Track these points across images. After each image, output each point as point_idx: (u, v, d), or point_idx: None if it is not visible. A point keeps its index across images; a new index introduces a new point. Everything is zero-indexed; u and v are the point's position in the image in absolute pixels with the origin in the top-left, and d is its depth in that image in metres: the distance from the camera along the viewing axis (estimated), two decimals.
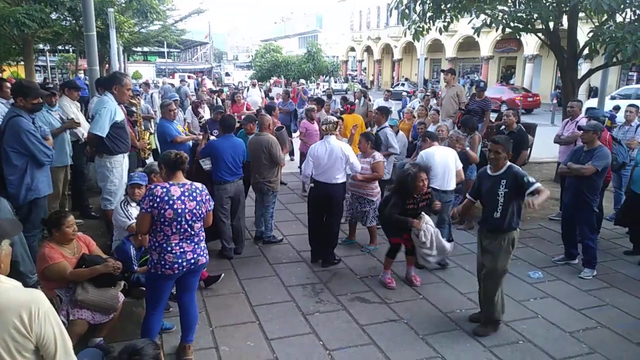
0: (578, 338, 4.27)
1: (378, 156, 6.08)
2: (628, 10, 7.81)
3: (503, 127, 7.11)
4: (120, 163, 5.32)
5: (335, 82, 34.48)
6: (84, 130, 6.45)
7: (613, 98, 20.86)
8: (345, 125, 8.25)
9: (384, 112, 7.60)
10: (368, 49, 48.77)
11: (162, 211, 3.53)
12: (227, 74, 50.53)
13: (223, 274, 5.25)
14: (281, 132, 7.11)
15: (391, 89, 20.10)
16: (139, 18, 22.17)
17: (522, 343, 4.19)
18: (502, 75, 36.69)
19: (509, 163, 4.25)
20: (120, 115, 5.27)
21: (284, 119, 11.57)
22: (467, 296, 5.05)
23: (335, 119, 5.97)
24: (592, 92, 24.80)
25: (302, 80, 25.49)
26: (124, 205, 4.88)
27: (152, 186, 3.65)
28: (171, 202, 3.54)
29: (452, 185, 5.76)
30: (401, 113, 15.05)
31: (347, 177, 5.88)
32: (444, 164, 5.69)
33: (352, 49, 51.90)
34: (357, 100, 12.89)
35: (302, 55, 28.76)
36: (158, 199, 3.53)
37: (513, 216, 4.20)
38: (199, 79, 25.80)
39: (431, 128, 9.03)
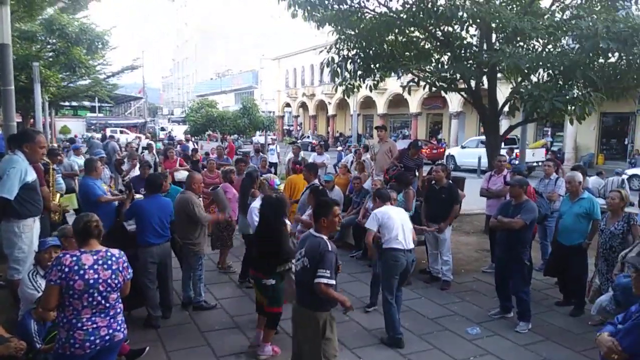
0: None
1: None
2: (541, 70, 8.39)
3: (433, 182, 7.24)
4: (30, 228, 4.84)
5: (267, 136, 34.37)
6: None
7: (463, 147, 24.19)
8: (296, 187, 8.03)
9: (312, 169, 7.56)
10: (303, 105, 49.88)
11: (72, 282, 3.17)
12: (162, 129, 49.61)
13: (148, 348, 4.78)
14: (217, 192, 6.72)
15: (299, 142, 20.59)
16: (67, 72, 21.48)
17: None
18: (430, 131, 38.49)
19: (313, 231, 3.81)
20: (32, 176, 4.85)
21: None
22: (407, 357, 4.88)
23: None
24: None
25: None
26: (33, 275, 4.40)
27: (60, 255, 3.30)
28: (82, 272, 3.19)
29: (412, 244, 5.41)
30: (336, 167, 15.18)
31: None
32: (403, 222, 5.37)
33: (288, 105, 52.88)
34: (293, 157, 12.90)
35: (237, 110, 28.85)
36: (67, 269, 3.17)
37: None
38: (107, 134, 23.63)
39: (367, 183, 9.11)
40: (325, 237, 3.73)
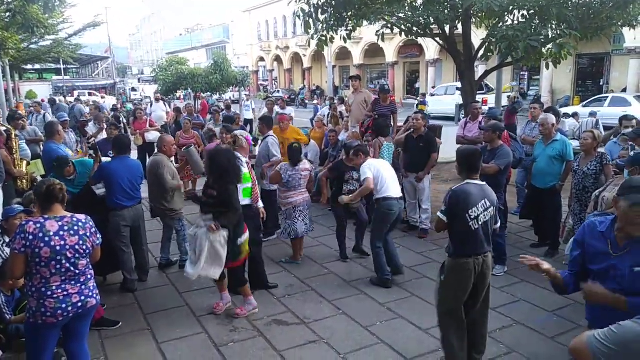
0: (496, 338, 4.27)
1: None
2: (516, 12, 8.22)
3: (412, 130, 7.16)
4: None
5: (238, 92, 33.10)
6: None
7: (432, 95, 24.92)
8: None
9: (265, 122, 7.33)
10: (278, 59, 48.73)
11: (37, 250, 3.05)
12: (133, 89, 48.17)
13: (121, 323, 4.61)
14: (189, 151, 6.51)
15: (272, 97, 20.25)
16: (26, 33, 20.46)
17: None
18: (407, 80, 38.15)
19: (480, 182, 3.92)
20: None
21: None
22: (386, 306, 4.94)
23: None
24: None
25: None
26: (0, 244, 4.26)
27: (23, 222, 3.17)
28: (47, 238, 3.07)
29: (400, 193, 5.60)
30: (312, 121, 15.00)
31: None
32: (392, 173, 5.58)
33: (262, 59, 51.64)
34: (267, 112, 12.62)
35: (209, 66, 27.93)
36: (31, 237, 3.05)
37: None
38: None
39: (342, 135, 9.01)
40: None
